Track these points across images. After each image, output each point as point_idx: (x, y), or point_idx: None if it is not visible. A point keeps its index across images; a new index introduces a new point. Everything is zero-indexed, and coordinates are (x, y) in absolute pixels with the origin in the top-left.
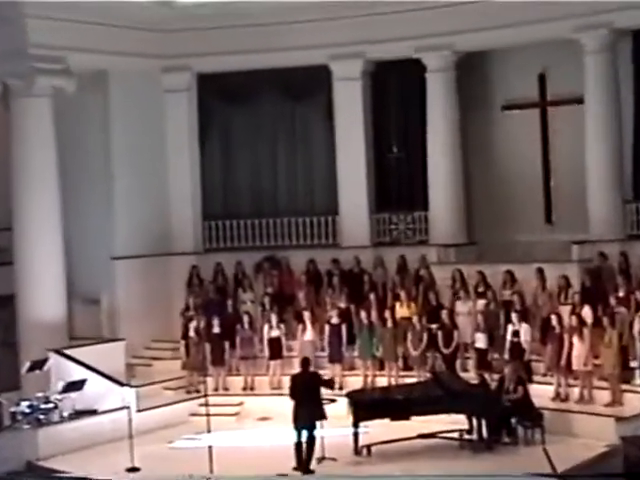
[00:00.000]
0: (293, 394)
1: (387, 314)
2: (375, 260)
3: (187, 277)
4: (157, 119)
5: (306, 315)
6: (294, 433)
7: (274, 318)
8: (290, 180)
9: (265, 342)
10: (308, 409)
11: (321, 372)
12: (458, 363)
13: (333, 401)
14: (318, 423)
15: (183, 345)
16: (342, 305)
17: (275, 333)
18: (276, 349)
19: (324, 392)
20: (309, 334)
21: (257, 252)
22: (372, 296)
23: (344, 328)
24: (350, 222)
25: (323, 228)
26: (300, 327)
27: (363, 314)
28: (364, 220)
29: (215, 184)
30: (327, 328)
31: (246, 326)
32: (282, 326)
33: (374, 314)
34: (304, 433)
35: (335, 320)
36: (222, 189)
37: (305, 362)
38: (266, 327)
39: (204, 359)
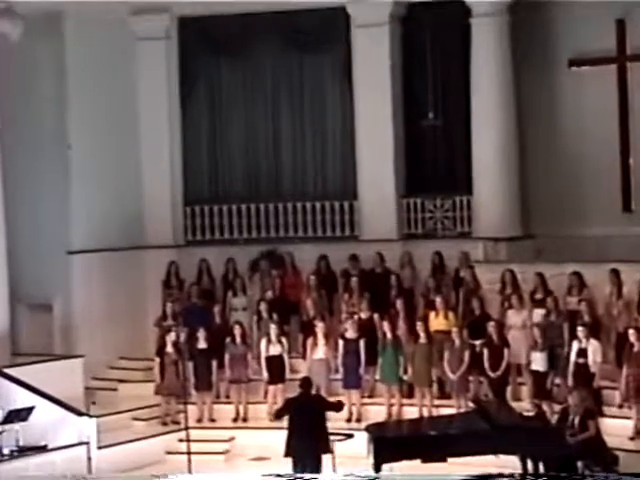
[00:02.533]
0: (281, 415)
1: (418, 326)
2: (403, 257)
3: (164, 277)
4: (126, 75)
5: (316, 327)
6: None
7: (274, 330)
8: (296, 154)
9: (263, 361)
10: (309, 441)
11: (334, 399)
12: (509, 390)
13: (349, 436)
14: (324, 459)
15: (158, 364)
16: (361, 315)
17: (275, 350)
18: (277, 370)
19: (333, 421)
20: (319, 351)
21: (253, 246)
22: (399, 303)
23: (363, 344)
24: (372, 209)
25: (338, 216)
26: (308, 342)
27: (388, 326)
28: (390, 206)
29: (200, 158)
30: (342, 344)
31: (238, 340)
32: (284, 341)
33: (402, 326)
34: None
35: (352, 334)
36: (209, 165)
37: (306, 383)
38: (264, 342)
39: (185, 382)
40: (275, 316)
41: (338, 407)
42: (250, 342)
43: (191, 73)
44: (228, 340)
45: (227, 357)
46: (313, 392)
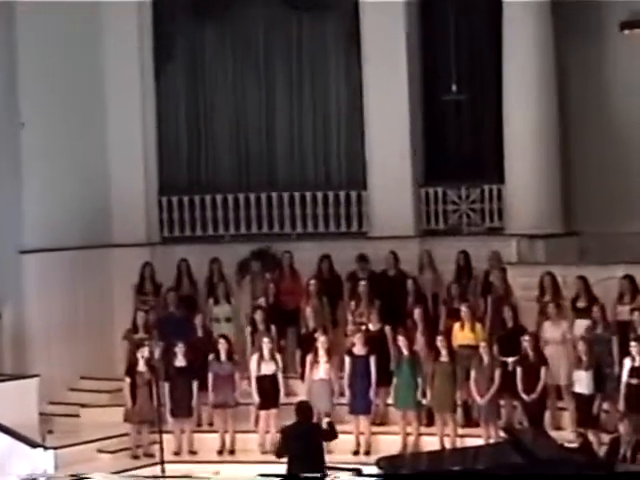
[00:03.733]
0: (282, 453)
1: (440, 341)
2: (422, 258)
3: (136, 281)
4: (89, 42)
5: (317, 341)
6: None
7: (267, 345)
8: (293, 135)
9: (253, 382)
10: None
11: (340, 428)
12: (547, 416)
13: (357, 472)
14: None
15: (128, 385)
16: (371, 326)
17: (268, 368)
18: (270, 393)
19: (337, 453)
20: (320, 370)
21: (242, 244)
22: (417, 313)
23: (374, 361)
24: (385, 200)
25: (343, 209)
26: (307, 359)
27: (403, 340)
28: (406, 197)
29: (178, 139)
30: (348, 361)
31: (223, 357)
32: (279, 357)
33: (420, 340)
34: None
35: (360, 349)
36: (189, 147)
37: (302, 408)
38: (254, 358)
39: (160, 407)
40: (269, 328)
41: (329, 435)
42: (238, 359)
43: (167, 38)
44: (211, 357)
45: (210, 377)
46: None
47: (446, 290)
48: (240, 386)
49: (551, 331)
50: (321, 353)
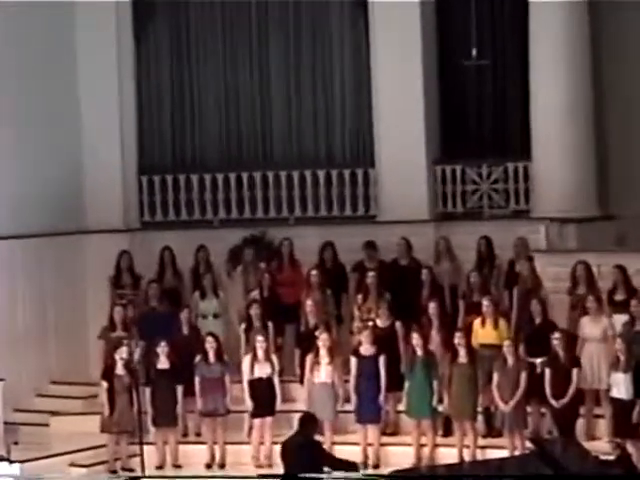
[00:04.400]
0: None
1: (458, 339)
2: (438, 245)
3: (112, 272)
4: (62, 8)
5: (318, 339)
6: None
7: (262, 344)
8: (291, 106)
9: (246, 386)
10: None
11: (346, 438)
12: (580, 424)
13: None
14: None
15: (105, 390)
16: (380, 323)
17: (264, 370)
18: (264, 398)
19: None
20: (322, 373)
21: (233, 230)
22: (433, 307)
23: (383, 362)
24: (395, 179)
25: (348, 189)
26: (307, 360)
27: (416, 338)
28: (419, 176)
29: (161, 113)
30: (354, 362)
31: (212, 358)
32: (275, 358)
33: (436, 339)
34: None
35: (368, 349)
36: (173, 121)
37: (306, 421)
38: (247, 359)
39: (141, 414)
40: (264, 325)
41: (349, 467)
42: (228, 360)
43: (149, 1)
44: (199, 358)
45: (197, 381)
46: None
47: (465, 281)
48: (231, 391)
49: (590, 327)
50: (322, 353)
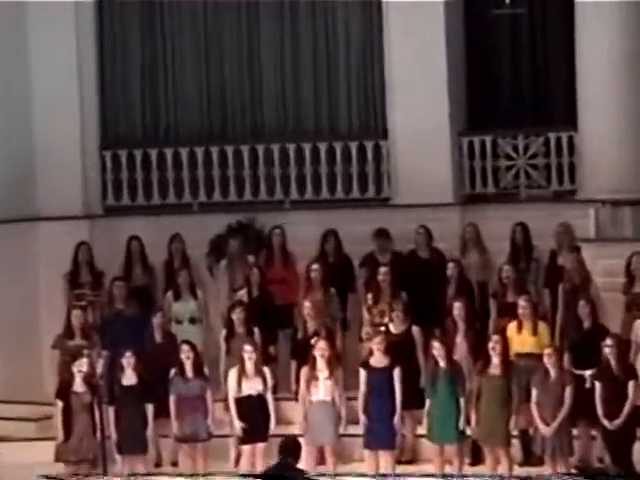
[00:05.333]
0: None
1: (490, 347)
2: (465, 233)
3: (69, 268)
4: None
5: (316, 349)
6: None
7: (251, 354)
8: (285, 68)
9: (232, 405)
10: None
11: (352, 468)
12: (638, 449)
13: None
14: None
15: (60, 411)
16: (394, 328)
17: (253, 386)
18: (255, 420)
19: None
20: (321, 389)
21: (216, 216)
22: (458, 309)
23: (398, 376)
24: (413, 153)
25: (355, 166)
26: (304, 373)
27: (439, 347)
28: (442, 149)
29: (128, 75)
30: (363, 376)
31: (189, 372)
32: (267, 372)
33: (462, 346)
34: None
35: (380, 359)
36: (143, 85)
37: (287, 448)
38: (234, 373)
39: (104, 440)
40: (256, 331)
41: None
42: (208, 373)
43: None
44: (174, 371)
45: (172, 399)
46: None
47: (498, 277)
48: (214, 411)
49: None
50: (322, 365)
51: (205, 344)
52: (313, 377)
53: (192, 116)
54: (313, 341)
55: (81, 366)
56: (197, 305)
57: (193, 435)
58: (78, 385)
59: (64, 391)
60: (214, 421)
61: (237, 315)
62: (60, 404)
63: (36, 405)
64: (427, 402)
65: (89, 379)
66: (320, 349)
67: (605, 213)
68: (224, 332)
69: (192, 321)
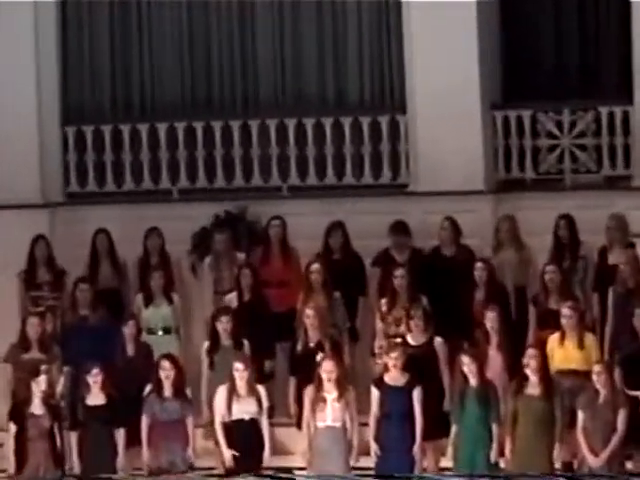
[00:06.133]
0: None
1: (527, 363)
2: (499, 227)
3: (24, 266)
4: None
5: (323, 366)
6: None
7: (242, 372)
8: (284, 29)
9: (219, 432)
10: None
11: None
12: None
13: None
14: None
15: (13, 437)
16: (413, 339)
17: (245, 409)
18: (248, 449)
19: None
20: (330, 412)
21: (200, 205)
22: (491, 317)
23: (419, 396)
24: (437, 131)
25: (368, 146)
26: (308, 394)
27: (468, 362)
28: (472, 126)
29: (96, 38)
30: (377, 397)
31: (167, 391)
32: (262, 392)
33: (495, 361)
34: None
35: (397, 377)
36: (113, 49)
37: None
38: (222, 393)
39: (64, 470)
40: (246, 343)
41: None
42: (189, 394)
43: None
44: (148, 390)
45: (145, 422)
46: None
47: (539, 280)
48: (195, 439)
49: None
50: (328, 385)
51: (183, 358)
52: (319, 399)
53: (171, 85)
54: (318, 358)
55: (39, 384)
56: (172, 311)
57: (169, 466)
58: (35, 406)
59: (18, 413)
60: (195, 450)
61: (223, 325)
62: (13, 428)
63: None
64: (453, 428)
65: (48, 399)
66: (326, 371)
67: None
68: (206, 344)
69: (166, 331)
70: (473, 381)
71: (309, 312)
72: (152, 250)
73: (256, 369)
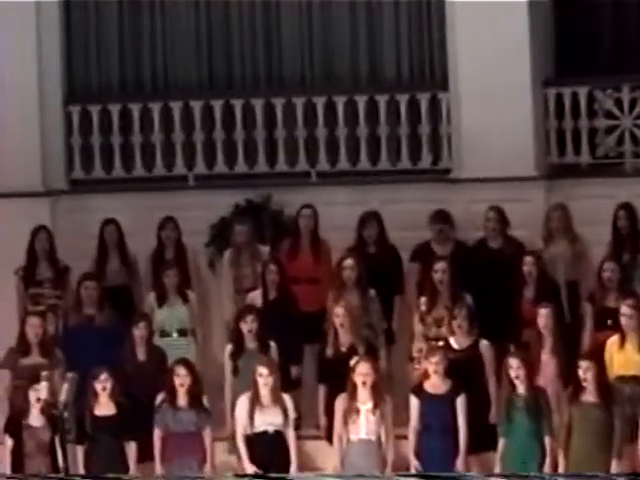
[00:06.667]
0: None
1: (583, 368)
2: (551, 217)
3: (23, 261)
4: None
5: (357, 371)
6: None
7: (266, 378)
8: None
9: (241, 445)
10: None
11: None
12: None
13: None
14: None
15: (10, 451)
16: (456, 342)
17: (270, 420)
18: (272, 464)
19: None
20: (364, 424)
21: (219, 193)
22: (543, 316)
23: (462, 406)
24: (482, 110)
25: (406, 127)
26: (339, 404)
27: (517, 366)
28: (521, 104)
29: (104, 9)
30: (416, 406)
31: (182, 400)
32: (289, 401)
33: (548, 366)
34: None
35: (439, 384)
36: (120, 25)
37: None
38: (244, 402)
39: None
40: (273, 345)
41: None
42: (208, 404)
43: None
44: (161, 399)
45: (158, 435)
46: None
47: (595, 275)
48: (213, 453)
49: None
50: (363, 394)
51: (200, 364)
52: (352, 410)
53: (187, 60)
54: (352, 362)
55: (39, 392)
56: (188, 311)
57: None
58: (34, 418)
59: (15, 425)
60: (213, 465)
61: (248, 325)
62: (10, 442)
63: None
64: (501, 441)
65: (49, 409)
66: (361, 374)
67: None
68: (229, 347)
69: (181, 333)
70: (521, 388)
71: (340, 312)
72: (167, 243)
73: (281, 375)
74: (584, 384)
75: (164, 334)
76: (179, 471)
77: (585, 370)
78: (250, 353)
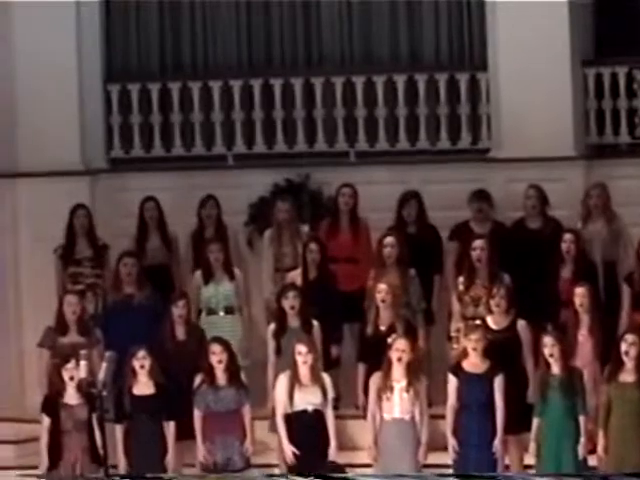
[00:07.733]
0: None
1: (624, 349)
2: (590, 197)
3: (62, 240)
4: None
5: (393, 349)
6: None
7: (306, 356)
8: None
9: (280, 424)
10: None
11: None
12: None
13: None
14: None
15: (47, 429)
16: (494, 322)
17: (309, 398)
18: (311, 444)
19: None
20: (397, 402)
21: (259, 172)
22: (581, 296)
23: (500, 385)
24: (521, 91)
25: (444, 108)
26: (373, 382)
27: (553, 346)
28: (560, 85)
29: None
30: (454, 385)
31: (221, 379)
32: (328, 380)
33: (585, 346)
34: None
35: (477, 363)
36: (161, 5)
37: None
38: (283, 381)
39: (107, 469)
40: (316, 324)
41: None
42: (246, 382)
43: None
44: (200, 379)
45: (198, 414)
46: None
47: (634, 256)
48: (253, 433)
49: None
50: (398, 372)
51: (244, 342)
52: (387, 387)
53: (226, 39)
54: (390, 339)
55: (76, 372)
56: (235, 290)
57: (225, 463)
58: (72, 396)
59: (53, 404)
60: (253, 445)
61: (290, 301)
62: (46, 421)
63: (15, 422)
64: (535, 421)
65: (87, 388)
66: (398, 350)
67: None
68: (273, 326)
69: (228, 310)
70: (556, 367)
71: (383, 288)
72: (207, 221)
73: (322, 354)
74: (625, 359)
75: (211, 312)
76: (222, 450)
77: (630, 344)
78: (293, 332)
